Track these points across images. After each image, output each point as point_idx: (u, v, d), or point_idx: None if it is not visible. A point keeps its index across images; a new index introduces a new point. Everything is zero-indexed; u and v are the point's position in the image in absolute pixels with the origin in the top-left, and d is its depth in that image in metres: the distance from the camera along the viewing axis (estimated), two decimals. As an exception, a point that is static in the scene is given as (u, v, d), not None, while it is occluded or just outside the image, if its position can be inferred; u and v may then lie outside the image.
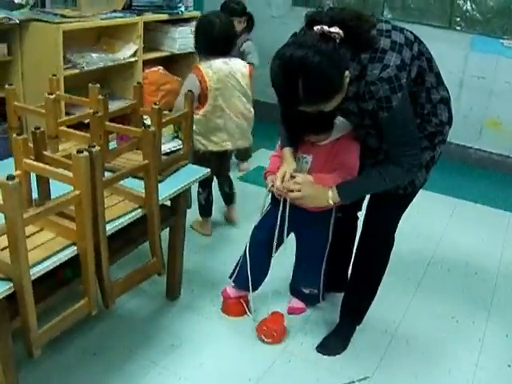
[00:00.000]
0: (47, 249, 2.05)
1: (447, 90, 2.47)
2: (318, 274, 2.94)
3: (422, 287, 3.46)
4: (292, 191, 2.46)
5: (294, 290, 3.08)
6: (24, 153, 2.11)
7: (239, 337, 2.90)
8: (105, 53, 4.41)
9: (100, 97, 2.62)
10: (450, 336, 3.06)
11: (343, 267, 3.01)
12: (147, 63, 4.71)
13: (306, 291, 3.02)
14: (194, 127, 3.16)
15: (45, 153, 2.20)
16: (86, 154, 1.94)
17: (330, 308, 3.11)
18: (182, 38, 4.94)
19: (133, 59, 4.53)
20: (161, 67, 4.86)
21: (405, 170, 2.34)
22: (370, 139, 2.49)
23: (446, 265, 3.74)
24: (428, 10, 5.24)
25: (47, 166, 2.09)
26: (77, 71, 4.08)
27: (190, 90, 2.81)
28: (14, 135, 2.12)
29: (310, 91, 2.06)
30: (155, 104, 2.57)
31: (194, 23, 5.09)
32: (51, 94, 2.53)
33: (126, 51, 4.47)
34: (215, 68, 3.37)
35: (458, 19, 5.13)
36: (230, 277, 3.04)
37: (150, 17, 4.62)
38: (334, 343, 2.88)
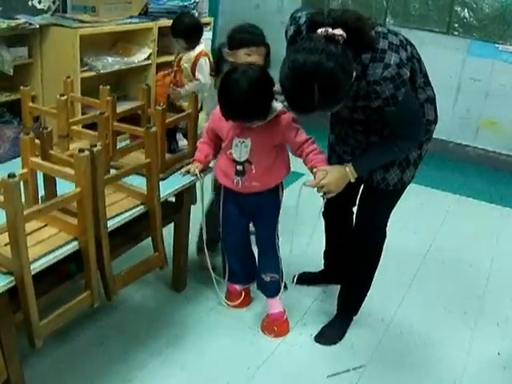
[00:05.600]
0: (50, 244, 1.97)
1: (433, 90, 2.39)
2: (275, 256, 2.70)
3: (417, 279, 3.35)
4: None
5: (258, 282, 2.82)
6: (31, 151, 2.03)
7: (241, 328, 2.80)
8: (120, 56, 4.33)
9: (108, 98, 2.53)
10: (442, 326, 2.95)
11: (341, 261, 2.89)
12: (161, 66, 4.59)
13: (267, 278, 2.73)
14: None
15: (51, 152, 2.11)
16: (86, 153, 1.85)
17: (329, 300, 3.00)
18: (195, 43, 4.85)
19: (146, 62, 4.46)
20: (175, 70, 4.77)
21: (413, 141, 2.31)
22: (358, 135, 2.41)
23: (442, 257, 3.61)
24: (428, 17, 5.19)
25: (51, 165, 2.01)
26: (93, 74, 4.02)
27: (193, 92, 2.71)
28: (21, 134, 2.04)
29: (325, 97, 1.95)
30: (159, 105, 2.48)
31: (207, 28, 5.07)
32: (63, 96, 2.47)
33: (141, 55, 4.40)
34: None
35: (456, 25, 5.08)
36: (224, 277, 2.92)
37: (164, 22, 4.53)
38: (331, 333, 2.77)
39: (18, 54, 3.87)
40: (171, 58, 4.66)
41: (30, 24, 3.70)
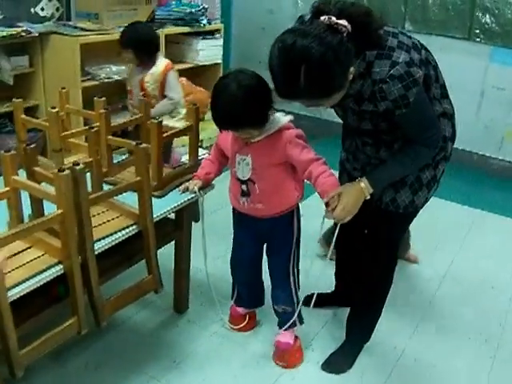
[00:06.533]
0: (32, 268, 1.86)
1: (452, 105, 2.23)
2: (287, 288, 2.52)
3: (435, 302, 3.18)
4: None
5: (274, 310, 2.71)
6: (12, 169, 1.94)
7: (244, 353, 2.68)
8: (126, 65, 4.22)
9: (102, 111, 2.43)
10: (460, 354, 2.78)
11: (353, 284, 2.76)
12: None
13: (279, 309, 2.59)
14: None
15: (36, 169, 2.02)
16: (67, 172, 1.75)
17: (339, 324, 2.84)
18: (205, 50, 4.79)
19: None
20: (184, 78, 4.68)
21: (430, 148, 2.13)
22: (368, 149, 2.28)
23: (462, 278, 3.43)
24: (448, 22, 5.02)
25: (32, 184, 1.92)
26: (96, 83, 3.94)
27: (194, 104, 2.60)
28: (2, 152, 1.95)
29: (311, 84, 1.82)
30: (154, 118, 2.38)
31: (218, 35, 4.99)
32: (54, 108, 2.39)
33: (148, 63, 4.31)
34: None
35: (478, 31, 4.90)
36: (231, 298, 2.82)
37: (171, 29, 4.48)
38: (339, 361, 2.63)
39: (19, 63, 3.82)
40: (179, 66, 4.59)
41: (30, 32, 3.64)
